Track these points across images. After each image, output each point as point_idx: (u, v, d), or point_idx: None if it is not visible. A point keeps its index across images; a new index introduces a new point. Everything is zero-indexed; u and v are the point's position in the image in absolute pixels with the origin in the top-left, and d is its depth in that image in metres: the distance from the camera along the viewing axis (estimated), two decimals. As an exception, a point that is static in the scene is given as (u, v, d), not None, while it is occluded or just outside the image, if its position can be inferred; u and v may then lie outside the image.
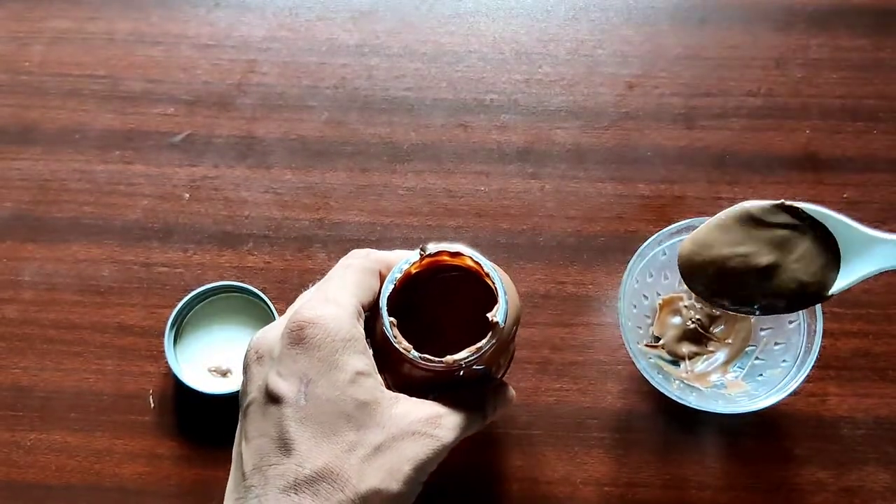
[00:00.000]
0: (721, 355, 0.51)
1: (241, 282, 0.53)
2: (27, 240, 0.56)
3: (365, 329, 0.37)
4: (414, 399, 0.37)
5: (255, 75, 0.59)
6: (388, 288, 0.37)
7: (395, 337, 0.36)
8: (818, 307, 0.46)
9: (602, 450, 0.51)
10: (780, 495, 0.51)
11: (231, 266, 0.55)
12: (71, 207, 0.57)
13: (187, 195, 0.57)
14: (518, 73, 0.59)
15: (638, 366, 0.47)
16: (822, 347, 0.46)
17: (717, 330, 0.52)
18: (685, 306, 0.52)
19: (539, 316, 0.54)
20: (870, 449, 0.51)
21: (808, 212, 0.41)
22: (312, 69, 0.60)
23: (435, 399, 0.38)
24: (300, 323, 0.35)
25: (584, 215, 0.56)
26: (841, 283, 0.40)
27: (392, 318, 0.37)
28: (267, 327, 0.38)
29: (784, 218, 0.41)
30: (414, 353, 0.36)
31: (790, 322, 0.48)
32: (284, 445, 0.34)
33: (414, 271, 0.38)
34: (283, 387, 0.35)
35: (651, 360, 0.50)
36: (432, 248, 0.38)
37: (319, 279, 0.40)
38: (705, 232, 0.43)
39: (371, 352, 0.37)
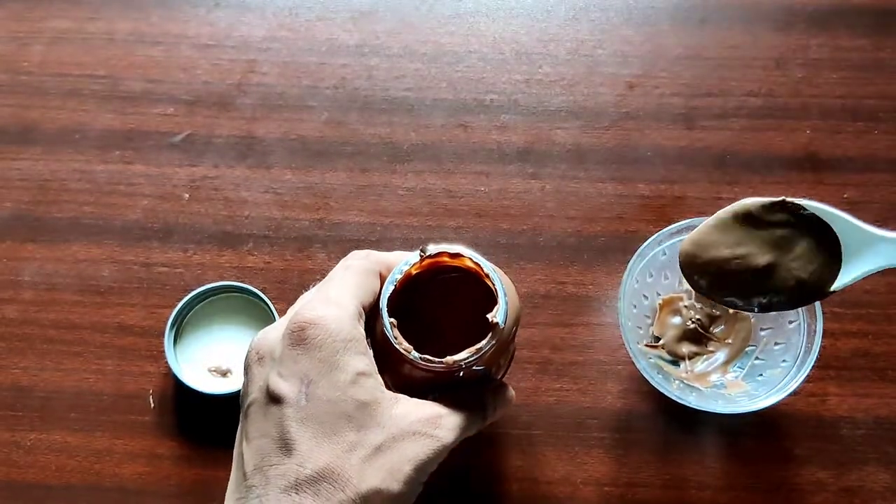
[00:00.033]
0: (721, 355, 0.51)
1: (241, 282, 0.53)
2: (27, 240, 0.56)
3: (365, 330, 0.37)
4: (414, 399, 0.37)
5: (255, 75, 0.59)
6: (388, 289, 0.37)
7: (396, 338, 0.36)
8: (818, 307, 0.46)
9: (602, 450, 0.51)
10: (780, 495, 0.51)
11: (231, 266, 0.55)
12: (71, 207, 0.57)
13: (187, 195, 0.57)
14: (518, 73, 0.59)
15: (638, 366, 0.47)
16: (822, 347, 0.46)
17: (717, 330, 0.52)
18: (685, 306, 0.52)
19: (539, 316, 0.54)
20: (870, 449, 0.51)
21: (809, 209, 0.40)
22: (312, 69, 0.59)
23: (435, 399, 0.38)
24: (301, 324, 0.35)
25: (585, 215, 0.56)
26: (842, 281, 0.40)
27: (392, 319, 0.37)
28: (267, 328, 0.38)
29: (783, 217, 0.41)
30: (414, 354, 0.36)
31: (790, 322, 0.48)
32: (285, 445, 0.34)
33: (414, 272, 0.38)
34: (284, 387, 0.35)
35: (651, 360, 0.50)
36: (432, 249, 0.38)
37: (319, 279, 0.40)
38: (704, 232, 0.43)
39: (371, 352, 0.37)
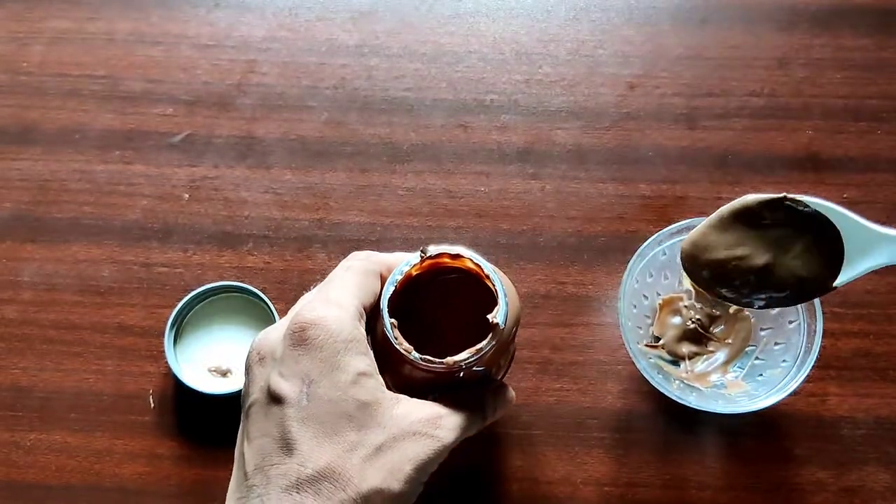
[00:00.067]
0: (721, 355, 0.51)
1: (241, 282, 0.53)
2: (27, 240, 0.56)
3: (366, 330, 0.37)
4: (415, 400, 0.37)
5: (255, 75, 0.59)
6: (388, 290, 0.37)
7: (396, 338, 0.36)
8: (818, 307, 0.46)
9: (602, 450, 0.51)
10: (780, 495, 0.51)
11: (231, 266, 0.55)
12: (71, 207, 0.57)
13: (187, 195, 0.57)
14: (518, 73, 0.59)
15: (638, 366, 0.47)
16: (823, 347, 0.46)
17: (717, 330, 0.52)
18: (685, 306, 0.52)
19: (539, 316, 0.54)
20: (870, 449, 0.51)
21: (812, 206, 0.40)
22: (312, 69, 0.59)
23: (435, 400, 0.38)
24: (302, 324, 0.35)
25: (585, 215, 0.56)
26: (845, 277, 0.40)
27: (393, 320, 0.37)
28: (268, 329, 0.38)
29: (782, 214, 0.41)
30: (415, 355, 0.36)
31: (790, 322, 0.48)
32: (286, 445, 0.34)
33: (415, 273, 0.38)
34: (285, 387, 0.35)
35: (651, 360, 0.50)
36: (433, 250, 0.38)
37: (319, 279, 0.40)
38: (703, 233, 0.43)
39: (372, 353, 0.37)
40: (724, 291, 0.43)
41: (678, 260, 0.50)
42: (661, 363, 0.51)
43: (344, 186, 0.57)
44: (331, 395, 0.35)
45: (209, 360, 0.53)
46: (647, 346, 0.51)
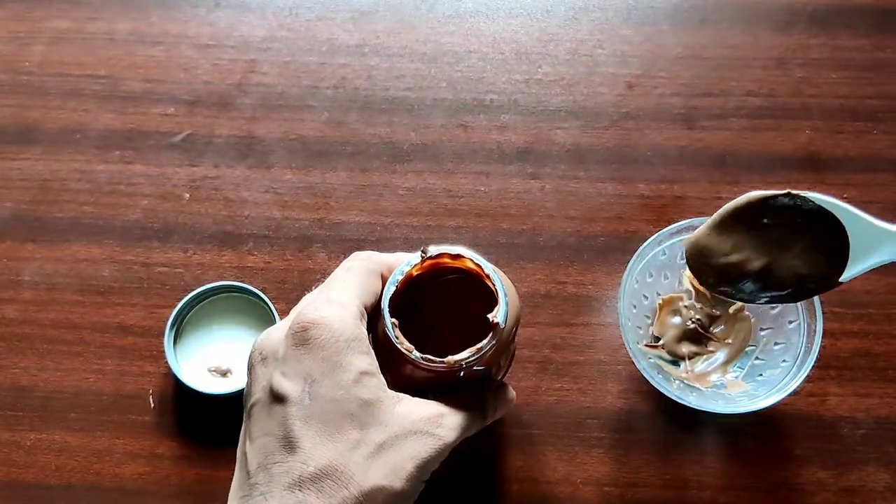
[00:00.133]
0: (721, 355, 0.51)
1: (241, 282, 0.53)
2: (27, 240, 0.56)
3: (367, 330, 0.37)
4: (416, 399, 0.37)
5: (255, 75, 0.59)
6: (389, 289, 0.37)
7: (398, 338, 0.37)
8: (818, 307, 0.46)
9: (602, 450, 0.51)
10: (780, 495, 0.51)
11: (231, 266, 0.55)
12: (71, 207, 0.57)
13: (187, 195, 0.57)
14: (518, 73, 0.59)
15: (638, 366, 0.47)
16: (822, 347, 0.46)
17: (717, 330, 0.52)
18: (685, 306, 0.52)
19: (539, 316, 0.54)
20: (870, 449, 0.51)
21: (816, 202, 0.40)
22: (312, 69, 0.60)
23: (436, 399, 0.38)
24: (304, 324, 0.36)
25: (584, 215, 0.56)
26: (850, 272, 0.40)
27: (394, 319, 0.37)
28: (270, 329, 0.38)
29: (783, 214, 0.41)
30: (416, 354, 0.36)
31: (790, 322, 0.48)
32: (289, 444, 0.34)
33: (415, 273, 0.39)
34: (287, 386, 0.35)
35: (651, 360, 0.50)
36: (433, 250, 0.38)
37: (320, 279, 0.40)
38: (704, 234, 0.43)
39: (373, 352, 0.37)
40: (728, 291, 0.43)
41: (678, 260, 0.50)
42: (661, 363, 0.51)
43: (344, 186, 0.57)
44: (333, 393, 0.35)
45: (209, 360, 0.53)
46: (647, 346, 0.51)
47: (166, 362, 0.51)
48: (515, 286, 0.42)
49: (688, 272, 0.49)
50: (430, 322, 0.41)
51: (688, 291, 0.52)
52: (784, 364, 0.48)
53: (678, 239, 0.49)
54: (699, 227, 0.44)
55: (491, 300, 0.37)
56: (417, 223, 0.56)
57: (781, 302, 0.43)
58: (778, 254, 0.42)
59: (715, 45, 0.59)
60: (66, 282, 0.55)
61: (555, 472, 0.51)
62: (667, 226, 0.49)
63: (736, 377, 0.50)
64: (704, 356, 0.52)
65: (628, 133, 0.58)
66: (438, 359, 0.36)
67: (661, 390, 0.46)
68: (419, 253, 0.38)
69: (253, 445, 0.35)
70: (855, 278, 0.41)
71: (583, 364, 0.53)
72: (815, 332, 0.46)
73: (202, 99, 0.59)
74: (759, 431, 0.52)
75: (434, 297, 0.41)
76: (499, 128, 0.58)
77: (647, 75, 0.59)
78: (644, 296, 0.51)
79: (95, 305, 0.55)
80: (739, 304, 0.51)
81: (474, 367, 0.38)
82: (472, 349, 0.37)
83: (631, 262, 0.49)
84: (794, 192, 0.41)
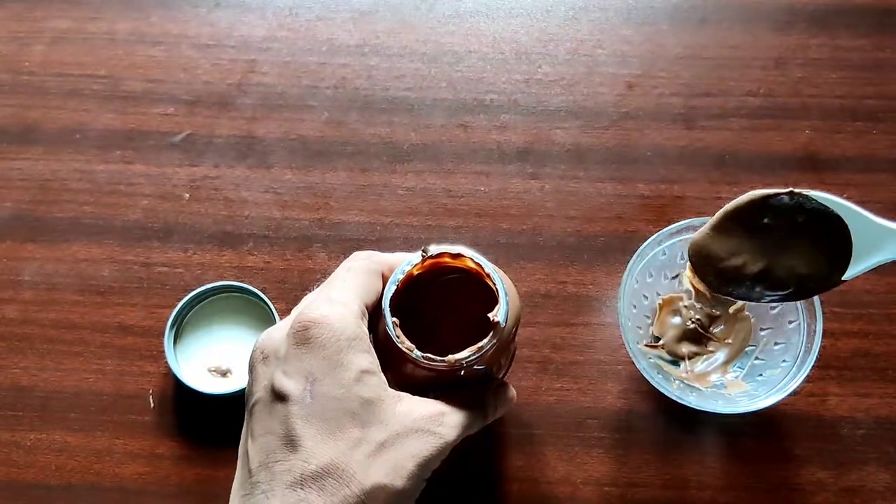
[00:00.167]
0: (721, 355, 0.51)
1: (241, 282, 0.53)
2: (27, 240, 0.56)
3: (367, 329, 0.37)
4: (417, 397, 0.37)
5: (255, 75, 0.59)
6: (390, 289, 0.38)
7: (398, 337, 0.37)
8: (818, 307, 0.46)
9: (602, 450, 0.51)
10: (780, 495, 0.51)
11: (231, 266, 0.55)
12: (71, 207, 0.57)
13: (187, 195, 0.57)
14: (518, 73, 0.59)
15: (638, 366, 0.47)
16: (822, 347, 0.46)
17: (717, 330, 0.52)
18: (685, 306, 0.52)
19: (539, 315, 0.54)
20: (870, 449, 0.51)
21: (818, 200, 0.41)
22: (312, 69, 0.60)
23: (437, 398, 0.38)
24: (305, 323, 0.36)
25: (584, 215, 0.56)
26: (853, 271, 0.40)
27: (395, 319, 0.37)
28: (271, 328, 0.39)
29: (783, 214, 0.41)
30: (416, 353, 0.36)
31: (790, 322, 0.48)
32: (290, 442, 0.34)
33: (416, 273, 0.39)
34: (288, 385, 0.35)
35: (651, 360, 0.50)
36: (434, 249, 0.38)
37: (320, 279, 0.40)
38: (705, 236, 0.43)
39: (374, 351, 0.37)
40: (731, 291, 0.43)
41: (678, 260, 0.50)
42: (661, 363, 0.51)
43: (344, 186, 0.57)
44: (334, 392, 0.35)
45: (209, 360, 0.53)
46: (647, 346, 0.51)
47: (166, 362, 0.51)
48: (515, 286, 0.42)
49: (688, 272, 0.49)
50: (431, 321, 0.41)
51: (688, 291, 0.52)
52: (784, 364, 0.48)
53: (678, 239, 0.49)
54: (699, 227, 0.44)
55: (491, 299, 0.38)
56: (417, 223, 0.56)
57: (784, 301, 0.43)
58: (779, 253, 0.42)
59: (715, 45, 0.59)
60: (66, 282, 0.55)
61: (555, 472, 0.51)
62: (667, 226, 0.49)
63: (736, 377, 0.50)
64: (704, 356, 0.52)
65: (628, 133, 0.58)
66: (439, 358, 0.36)
67: (661, 390, 0.46)
68: (420, 252, 0.38)
69: (254, 444, 0.35)
70: (855, 278, 0.41)
71: (583, 364, 0.53)
72: (815, 332, 0.46)
73: (202, 99, 0.59)
74: (759, 431, 0.52)
75: (435, 297, 0.41)
76: (499, 128, 0.58)
77: (647, 75, 0.59)
78: (644, 296, 0.51)
79: (95, 305, 0.55)
80: (739, 304, 0.51)
81: (475, 367, 0.38)
82: (473, 348, 0.37)
83: (631, 262, 0.49)
84: (796, 190, 0.41)
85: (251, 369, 0.38)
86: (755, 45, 0.59)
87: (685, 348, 0.51)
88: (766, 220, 0.42)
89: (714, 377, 0.51)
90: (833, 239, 0.40)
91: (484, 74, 0.59)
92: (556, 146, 0.57)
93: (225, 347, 0.53)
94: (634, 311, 0.50)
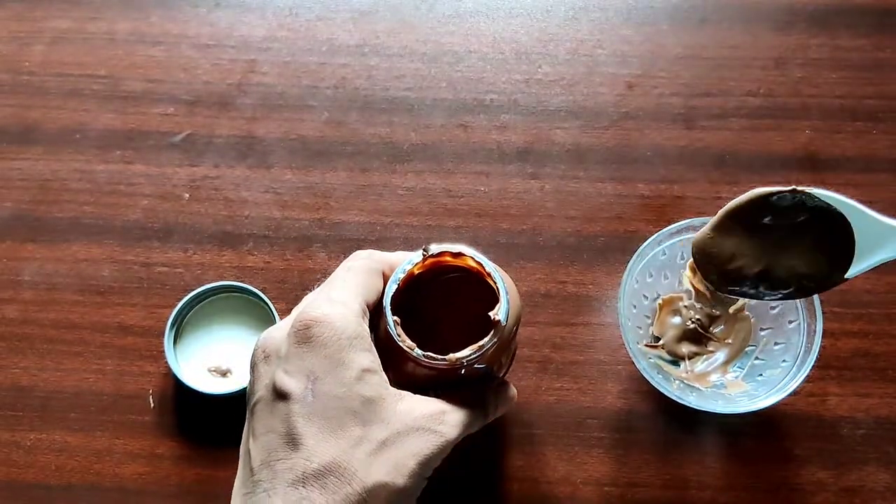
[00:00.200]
0: (721, 355, 0.51)
1: (241, 282, 0.53)
2: (27, 240, 0.56)
3: (368, 328, 0.37)
4: (418, 396, 0.37)
5: (255, 75, 0.59)
6: (391, 287, 0.38)
7: (399, 335, 0.37)
8: (818, 307, 0.46)
9: (602, 450, 0.51)
10: (780, 495, 0.51)
11: (231, 266, 0.55)
12: (71, 207, 0.57)
13: (187, 195, 0.57)
14: (518, 73, 0.59)
15: (638, 366, 0.47)
16: (822, 347, 0.46)
17: (716, 330, 0.52)
18: (685, 306, 0.52)
19: (539, 315, 0.54)
20: (870, 449, 0.51)
21: (821, 198, 0.40)
22: (312, 69, 0.60)
23: (438, 396, 0.38)
24: (307, 322, 0.36)
25: (584, 215, 0.56)
26: (855, 269, 0.40)
27: (396, 317, 0.37)
28: (273, 327, 0.39)
29: (786, 211, 0.41)
30: (417, 352, 0.36)
31: (790, 322, 0.48)
32: (292, 441, 0.34)
33: (417, 272, 0.39)
34: (290, 384, 0.35)
35: (651, 360, 0.50)
36: (435, 248, 0.38)
37: (320, 279, 0.40)
38: (706, 236, 0.43)
39: (375, 350, 0.37)
40: (734, 290, 0.44)
41: (678, 260, 0.50)
42: (661, 363, 0.51)
43: (344, 186, 0.57)
44: (335, 391, 0.35)
45: (209, 360, 0.53)
46: (647, 346, 0.51)
47: (166, 362, 0.51)
48: (515, 286, 0.42)
49: (688, 272, 0.49)
50: (432, 320, 0.41)
51: (688, 291, 0.52)
52: (784, 364, 0.48)
53: (678, 239, 0.49)
54: (699, 227, 0.44)
55: (492, 298, 0.38)
56: (417, 223, 0.56)
57: (787, 299, 0.43)
58: (782, 252, 0.42)
59: (715, 45, 0.59)
60: (66, 282, 0.55)
61: (555, 472, 0.51)
62: (667, 226, 0.49)
63: (736, 377, 0.50)
64: (704, 356, 0.52)
65: (628, 133, 0.58)
66: (440, 356, 0.36)
67: (661, 390, 0.46)
68: (421, 251, 0.38)
69: (256, 443, 0.35)
70: (855, 278, 0.41)
71: (583, 364, 0.53)
72: (815, 332, 0.46)
73: (202, 99, 0.59)
74: (759, 431, 0.52)
75: (435, 296, 0.41)
76: (499, 128, 0.58)
77: (647, 75, 0.59)
78: (644, 296, 0.51)
79: (95, 305, 0.55)
80: (740, 303, 0.51)
81: (475, 365, 0.38)
82: (474, 347, 0.37)
83: (631, 262, 0.49)
84: (798, 188, 0.41)
85: (252, 368, 0.38)
86: (755, 45, 0.59)
87: (685, 348, 0.51)
88: (768, 219, 0.42)
89: (714, 377, 0.51)
90: (836, 237, 0.40)
91: (484, 74, 0.59)
92: (556, 146, 0.57)
93: (225, 347, 0.53)
94: (634, 311, 0.50)
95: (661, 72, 0.59)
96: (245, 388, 0.49)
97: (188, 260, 0.56)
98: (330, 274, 0.40)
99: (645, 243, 0.49)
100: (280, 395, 0.35)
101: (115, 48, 0.60)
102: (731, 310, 0.51)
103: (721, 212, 0.43)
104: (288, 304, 0.53)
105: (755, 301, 0.51)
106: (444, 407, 0.37)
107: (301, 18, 0.61)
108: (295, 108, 0.59)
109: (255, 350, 0.38)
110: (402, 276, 0.38)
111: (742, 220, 0.42)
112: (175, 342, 0.52)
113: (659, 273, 0.51)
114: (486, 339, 0.37)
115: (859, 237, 0.40)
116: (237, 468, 0.37)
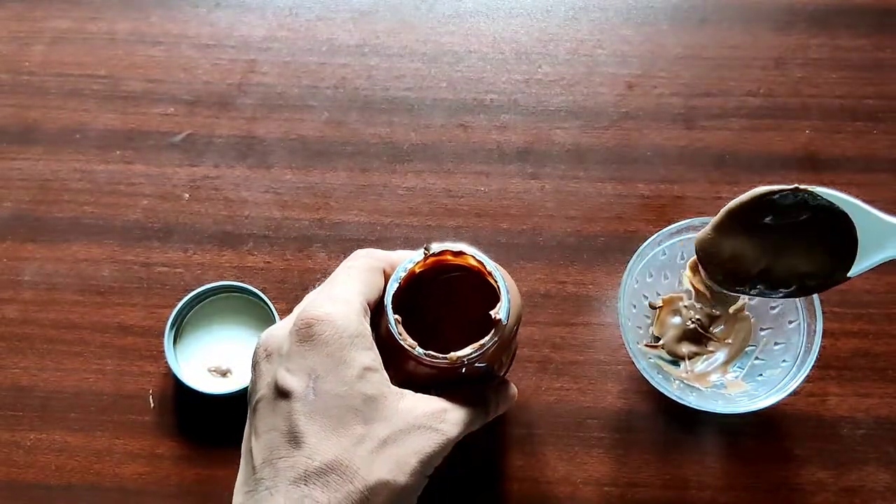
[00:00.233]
0: (721, 355, 0.51)
1: (241, 282, 0.53)
2: (27, 240, 0.56)
3: (370, 327, 0.38)
4: (419, 394, 0.38)
5: (255, 75, 0.59)
6: (392, 286, 0.38)
7: (401, 334, 0.37)
8: (818, 307, 0.46)
9: (602, 450, 0.51)
10: (780, 495, 0.51)
11: (231, 266, 0.55)
12: (71, 207, 0.57)
13: (187, 195, 0.57)
14: (518, 73, 0.59)
15: (638, 366, 0.47)
16: (822, 347, 0.46)
17: (716, 330, 0.52)
18: (685, 306, 0.52)
19: (539, 315, 0.54)
20: (870, 449, 0.51)
21: (825, 197, 0.40)
22: (312, 69, 0.60)
23: (438, 395, 0.38)
24: (308, 320, 0.36)
25: (584, 215, 0.56)
26: (858, 268, 0.40)
27: (397, 316, 0.37)
28: (274, 326, 0.39)
29: (789, 210, 0.41)
30: (419, 350, 0.37)
31: (790, 322, 0.48)
32: (294, 439, 0.34)
33: (418, 270, 0.39)
34: (292, 382, 0.35)
35: (651, 360, 0.50)
36: (436, 247, 0.38)
37: (320, 279, 0.40)
38: (708, 235, 0.43)
39: (377, 348, 0.37)
40: (738, 288, 0.44)
41: (678, 260, 0.50)
42: (661, 363, 0.51)
43: (344, 186, 0.57)
44: (337, 389, 0.35)
45: (209, 360, 0.53)
46: (647, 346, 0.51)
47: (166, 362, 0.51)
48: (516, 286, 0.42)
49: (688, 272, 0.49)
50: (433, 319, 0.41)
51: (688, 291, 0.52)
52: (784, 364, 0.48)
53: (678, 239, 0.49)
54: (699, 227, 0.44)
55: (493, 297, 0.38)
56: (417, 223, 0.56)
57: (789, 297, 0.43)
58: (784, 250, 0.42)
59: (715, 45, 0.59)
60: (66, 282, 0.55)
61: (555, 472, 0.51)
62: (666, 226, 0.49)
63: (736, 377, 0.50)
64: (704, 356, 0.52)
65: (628, 133, 0.58)
66: (441, 355, 0.37)
67: (661, 390, 0.46)
68: (422, 250, 0.38)
69: (258, 441, 0.35)
70: (855, 278, 0.41)
71: (583, 364, 0.53)
72: (815, 332, 0.46)
73: (202, 99, 0.59)
74: (759, 431, 0.52)
75: (436, 294, 0.41)
76: (499, 128, 0.58)
77: (647, 75, 0.59)
78: (644, 296, 0.51)
79: (95, 305, 0.55)
80: (740, 303, 0.51)
81: (476, 364, 0.38)
82: (475, 345, 0.37)
83: (631, 262, 0.49)
84: (801, 186, 0.41)
85: (254, 367, 0.38)
86: (755, 45, 0.59)
87: (685, 348, 0.51)
88: (770, 217, 0.42)
89: (714, 377, 0.51)
90: (838, 235, 0.40)
91: (484, 74, 0.59)
92: (556, 146, 0.57)
93: (225, 347, 0.53)
94: (634, 311, 0.50)
95: (661, 72, 0.59)
96: (245, 388, 0.49)
97: (188, 260, 0.56)
98: (330, 274, 0.40)
99: (645, 243, 0.49)
100: (282, 393, 0.35)
101: (115, 48, 0.60)
102: (731, 310, 0.51)
103: (723, 211, 0.43)
104: (288, 304, 0.53)
105: (755, 301, 0.51)
106: (446, 405, 0.38)
107: (301, 18, 0.61)
108: (295, 108, 0.59)
109: (256, 349, 0.38)
110: (403, 274, 0.38)
111: (744, 219, 0.42)
112: (175, 342, 0.52)
113: (659, 273, 0.51)
114: (487, 337, 0.37)
115: (862, 235, 0.40)
116: (237, 468, 0.37)
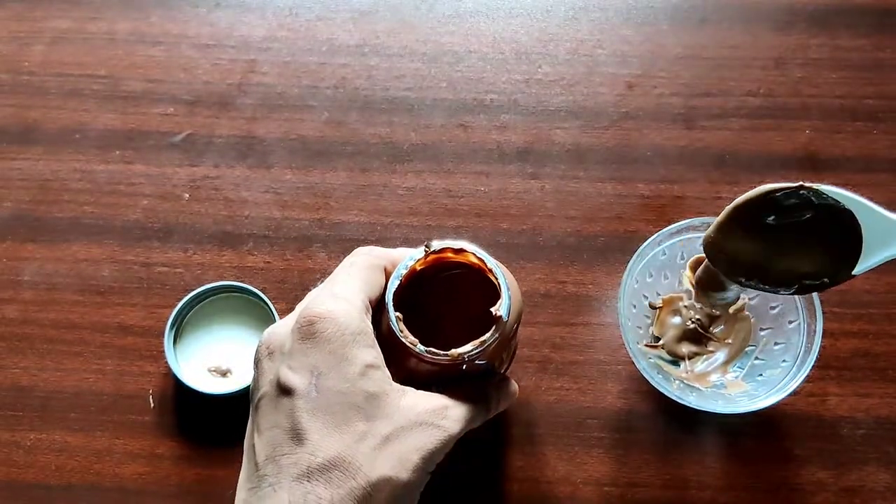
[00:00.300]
0: (721, 355, 0.51)
1: (241, 282, 0.53)
2: (27, 240, 0.56)
3: (371, 324, 0.38)
4: (421, 391, 0.38)
5: (255, 75, 0.59)
6: (393, 283, 0.38)
7: (402, 331, 0.37)
8: (818, 307, 0.46)
9: (602, 450, 0.51)
10: (780, 495, 0.51)
11: (231, 266, 0.55)
12: (71, 207, 0.57)
13: (187, 195, 0.57)
14: (518, 73, 0.59)
15: (638, 366, 0.47)
16: (822, 347, 0.46)
17: (716, 330, 0.52)
18: (685, 306, 0.52)
19: (539, 315, 0.54)
20: (870, 449, 0.51)
21: (829, 195, 0.40)
22: (312, 69, 0.60)
23: (440, 392, 0.38)
24: (310, 318, 0.36)
25: (584, 215, 0.56)
26: (862, 266, 0.40)
27: (398, 313, 0.37)
28: (276, 324, 0.39)
29: (792, 208, 0.41)
30: (420, 347, 0.37)
31: (790, 322, 0.48)
32: (297, 435, 0.34)
33: (419, 268, 0.39)
34: (294, 379, 0.35)
35: (651, 360, 0.50)
36: (437, 244, 0.38)
37: (320, 279, 0.40)
38: (714, 234, 0.43)
39: (378, 345, 0.37)
40: (743, 285, 0.44)
41: (678, 260, 0.50)
42: (661, 363, 0.51)
43: (344, 186, 0.57)
44: (339, 386, 0.35)
45: (209, 360, 0.53)
46: (647, 346, 0.51)
47: (166, 362, 0.51)
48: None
49: (687, 272, 0.49)
50: (434, 316, 0.41)
51: (688, 291, 0.52)
52: (784, 364, 0.48)
53: (678, 239, 0.49)
54: (699, 227, 0.44)
55: (493, 294, 0.38)
56: (417, 223, 0.56)
57: (795, 294, 0.43)
58: (789, 248, 0.42)
59: (715, 45, 0.59)
60: (66, 282, 0.55)
61: (555, 472, 0.51)
62: (666, 226, 0.49)
63: (736, 377, 0.50)
64: (704, 356, 0.52)
65: (628, 133, 0.58)
66: (442, 352, 0.37)
67: (661, 390, 0.46)
68: (423, 247, 0.38)
69: (261, 438, 0.35)
70: (855, 278, 0.41)
71: (583, 364, 0.53)
72: (815, 332, 0.46)
73: (202, 99, 0.59)
74: (759, 431, 0.52)
75: (437, 292, 0.41)
76: (499, 128, 0.58)
77: (647, 75, 0.59)
78: (644, 296, 0.51)
79: (95, 305, 0.55)
80: (740, 303, 0.51)
81: (477, 361, 0.38)
82: (476, 342, 0.37)
83: (631, 262, 0.49)
84: (806, 184, 0.41)
85: (256, 364, 0.38)
86: (755, 45, 0.59)
87: (685, 348, 0.51)
88: (774, 215, 0.42)
89: (714, 377, 0.51)
90: (842, 233, 0.40)
91: (484, 74, 0.59)
92: (556, 146, 0.57)
93: (225, 347, 0.53)
94: (634, 311, 0.50)
95: (661, 72, 0.59)
96: (245, 388, 0.49)
97: (188, 260, 0.56)
98: (330, 274, 0.40)
99: (645, 243, 0.49)
100: (284, 390, 0.35)
101: (115, 48, 0.60)
102: (731, 310, 0.51)
103: (727, 209, 0.43)
104: (288, 304, 0.53)
105: (755, 301, 0.51)
106: (447, 402, 0.38)
107: (301, 18, 0.61)
108: (295, 108, 0.59)
109: (258, 346, 0.38)
110: (404, 272, 0.38)
111: (751, 216, 0.42)
112: (175, 342, 0.52)
113: (659, 273, 0.51)
114: (488, 334, 0.37)
115: (867, 233, 0.40)
116: (238, 468, 0.37)
